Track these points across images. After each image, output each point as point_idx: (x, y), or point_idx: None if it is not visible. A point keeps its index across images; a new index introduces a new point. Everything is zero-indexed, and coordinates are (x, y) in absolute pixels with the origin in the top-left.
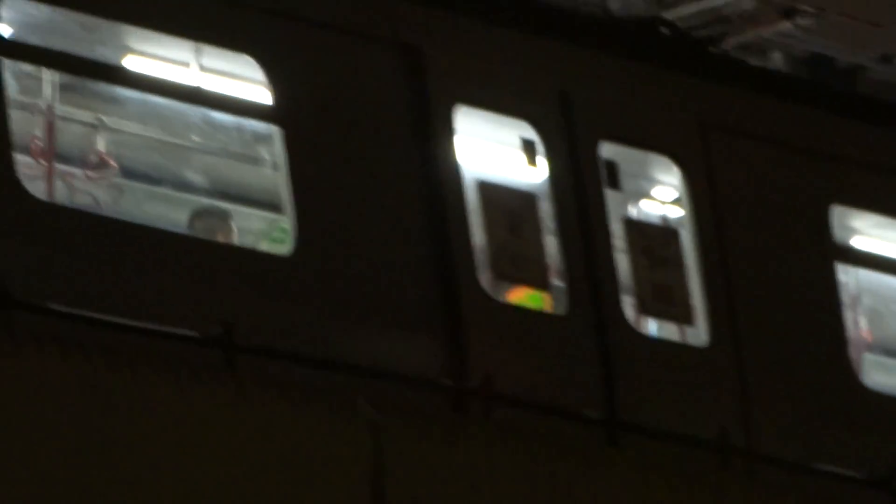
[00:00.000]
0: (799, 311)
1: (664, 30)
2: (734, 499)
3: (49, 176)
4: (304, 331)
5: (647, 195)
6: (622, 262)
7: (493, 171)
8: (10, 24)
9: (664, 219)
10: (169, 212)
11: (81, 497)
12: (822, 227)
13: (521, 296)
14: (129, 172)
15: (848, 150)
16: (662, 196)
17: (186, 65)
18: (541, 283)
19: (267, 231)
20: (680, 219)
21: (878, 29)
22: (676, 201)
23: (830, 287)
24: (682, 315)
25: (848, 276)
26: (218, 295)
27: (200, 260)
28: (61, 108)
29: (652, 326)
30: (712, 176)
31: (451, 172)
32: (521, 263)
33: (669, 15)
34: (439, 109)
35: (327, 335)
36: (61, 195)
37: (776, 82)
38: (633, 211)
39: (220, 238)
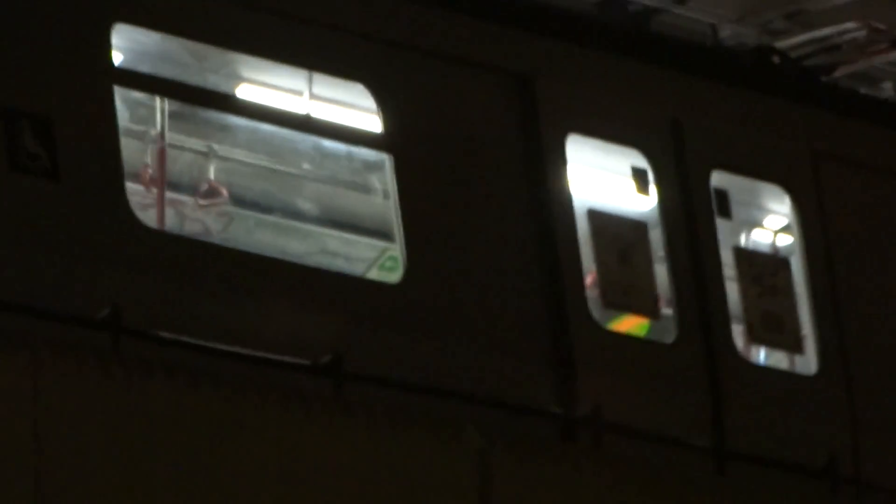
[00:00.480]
0: None
1: (775, 59)
2: None
3: (160, 204)
4: (413, 358)
5: (758, 224)
6: (732, 291)
7: (604, 199)
8: (122, 51)
9: (774, 248)
10: (279, 240)
11: None
12: None
13: (630, 325)
14: (239, 200)
15: None
16: (773, 225)
17: (299, 93)
18: (650, 312)
19: (377, 259)
20: (790, 247)
21: None
22: (786, 229)
23: None
24: (791, 343)
25: None
26: (328, 323)
27: (311, 288)
28: (172, 136)
29: (761, 355)
30: (823, 205)
31: (562, 201)
32: (630, 292)
33: (780, 44)
34: (551, 139)
35: (436, 363)
36: (172, 223)
37: (887, 111)
38: (743, 240)
39: None
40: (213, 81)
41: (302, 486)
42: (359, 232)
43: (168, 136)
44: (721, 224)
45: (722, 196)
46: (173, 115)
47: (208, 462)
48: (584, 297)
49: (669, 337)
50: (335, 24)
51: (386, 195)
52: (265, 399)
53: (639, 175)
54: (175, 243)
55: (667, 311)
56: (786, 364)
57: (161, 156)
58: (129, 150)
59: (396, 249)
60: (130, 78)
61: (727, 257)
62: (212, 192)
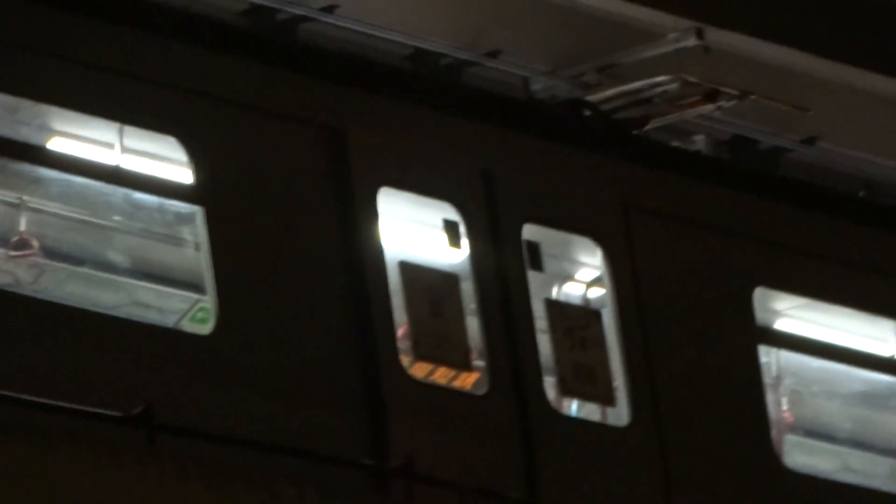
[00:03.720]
0: (721, 391)
1: (586, 112)
2: None
3: None
4: (225, 409)
5: (570, 277)
6: (544, 343)
7: (416, 252)
8: None
9: (586, 300)
10: (91, 292)
11: None
12: (745, 308)
13: (440, 375)
14: (51, 252)
15: (771, 232)
16: (585, 277)
17: (111, 146)
18: (462, 364)
19: (189, 311)
20: (602, 299)
21: (803, 112)
22: (597, 281)
23: (753, 368)
24: (603, 395)
25: (770, 358)
26: (139, 374)
27: (123, 339)
28: None
29: (573, 407)
30: (634, 257)
31: (374, 254)
32: (442, 344)
33: (592, 97)
34: (363, 192)
35: (249, 414)
36: None
37: (699, 164)
38: (555, 292)
39: None
40: (24, 133)
41: None
42: (171, 284)
43: None
44: (533, 276)
45: (534, 248)
46: None
47: None
48: (396, 348)
49: (482, 388)
50: (146, 77)
51: (198, 247)
52: (77, 450)
53: (450, 228)
54: None
55: (479, 362)
56: (599, 416)
57: None
58: None
59: (208, 301)
60: None
61: (539, 309)
62: (23, 244)
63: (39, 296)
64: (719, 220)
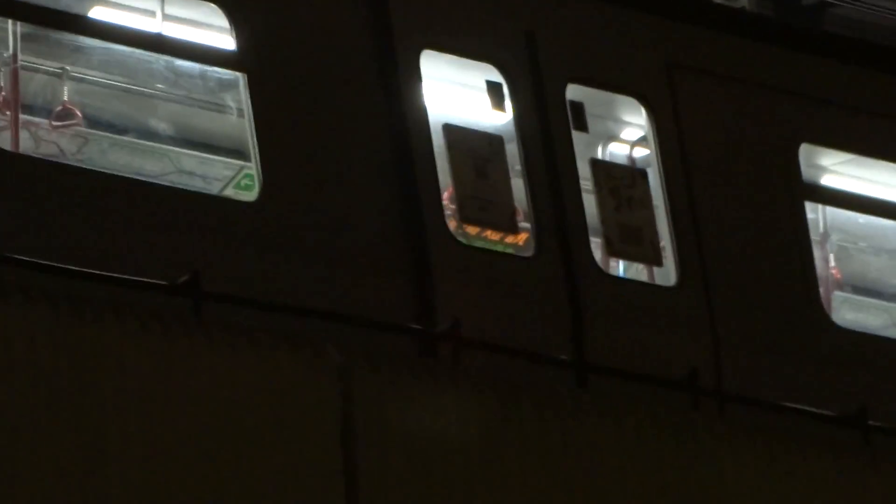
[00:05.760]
0: (768, 250)
1: None
2: (704, 440)
3: (14, 126)
4: (271, 277)
5: (614, 137)
6: (590, 204)
7: (460, 114)
8: None
9: (631, 160)
10: (134, 161)
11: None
12: (791, 165)
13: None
14: (94, 121)
15: (815, 87)
16: (630, 137)
17: (152, 13)
18: (508, 227)
19: (233, 178)
20: (647, 159)
21: None
22: (642, 140)
23: (799, 225)
24: (649, 255)
25: (817, 215)
26: (185, 242)
27: (167, 208)
28: (25, 59)
29: (620, 268)
30: (679, 116)
31: (418, 117)
32: (488, 207)
33: None
34: (405, 55)
35: (295, 281)
36: (26, 145)
37: (742, 21)
38: (600, 152)
39: None
40: (65, 3)
41: (163, 407)
42: (215, 151)
43: (21, 58)
44: (577, 137)
45: (577, 108)
46: (25, 38)
47: (68, 385)
48: (442, 211)
49: (529, 250)
50: None
51: (241, 114)
52: (124, 320)
53: (494, 90)
54: (30, 164)
55: (525, 224)
56: (645, 276)
57: (14, 78)
58: None
59: (252, 168)
60: None
61: (584, 170)
62: (66, 114)
63: (84, 165)
64: (764, 77)
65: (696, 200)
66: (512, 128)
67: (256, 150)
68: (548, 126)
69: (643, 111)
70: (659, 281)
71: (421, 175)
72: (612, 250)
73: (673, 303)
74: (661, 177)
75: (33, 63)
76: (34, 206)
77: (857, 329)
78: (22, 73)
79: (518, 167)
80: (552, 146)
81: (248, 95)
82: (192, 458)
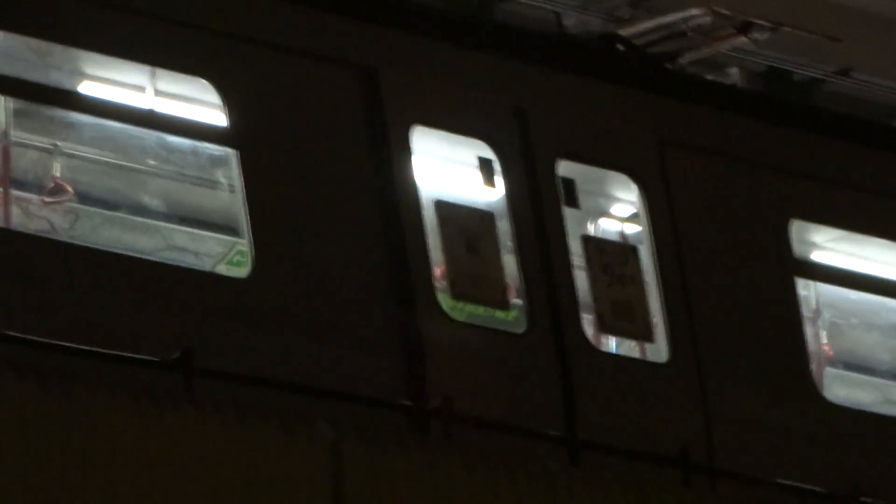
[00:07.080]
0: (759, 325)
1: (620, 46)
2: None
3: (5, 202)
4: (263, 353)
5: (606, 213)
6: (581, 280)
7: (451, 190)
8: None
9: (623, 236)
10: (126, 236)
11: None
12: (782, 241)
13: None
14: (85, 198)
15: (806, 163)
16: (621, 213)
17: (142, 89)
18: (499, 303)
19: (225, 254)
20: (638, 235)
21: (834, 42)
22: (633, 217)
23: (791, 302)
24: (641, 332)
25: (808, 291)
26: (177, 318)
27: (159, 284)
28: (16, 134)
29: (612, 344)
30: (670, 192)
31: (409, 193)
32: (480, 283)
33: (625, 32)
34: (396, 130)
35: (286, 357)
36: (18, 221)
37: (733, 97)
38: (591, 229)
39: None
40: (55, 78)
41: (154, 483)
42: (206, 227)
43: (12, 134)
44: (569, 213)
45: (569, 185)
46: (17, 113)
47: (59, 462)
48: (433, 288)
49: (521, 327)
50: (177, 19)
51: (232, 190)
52: (115, 396)
53: (485, 165)
54: (22, 240)
55: (516, 301)
56: (637, 353)
57: (5, 154)
58: None
59: (244, 244)
60: None
61: (576, 246)
62: (58, 190)
63: (75, 241)
64: (755, 153)
65: (688, 277)
66: (503, 204)
67: (249, 227)
68: (539, 202)
69: (635, 187)
70: (651, 357)
71: (412, 251)
72: (604, 326)
73: (665, 379)
74: (652, 253)
75: (25, 139)
76: (26, 282)
77: (849, 405)
78: (13, 149)
79: (510, 243)
80: (543, 222)
81: (241, 172)
82: None
